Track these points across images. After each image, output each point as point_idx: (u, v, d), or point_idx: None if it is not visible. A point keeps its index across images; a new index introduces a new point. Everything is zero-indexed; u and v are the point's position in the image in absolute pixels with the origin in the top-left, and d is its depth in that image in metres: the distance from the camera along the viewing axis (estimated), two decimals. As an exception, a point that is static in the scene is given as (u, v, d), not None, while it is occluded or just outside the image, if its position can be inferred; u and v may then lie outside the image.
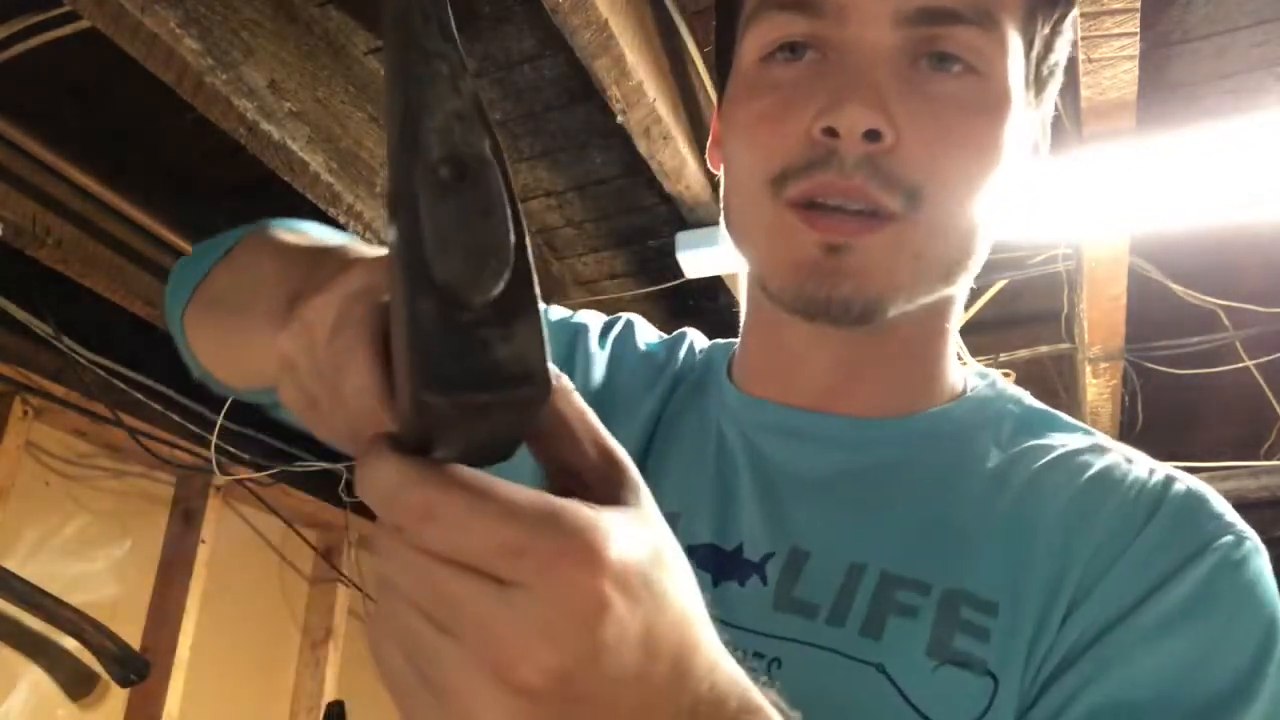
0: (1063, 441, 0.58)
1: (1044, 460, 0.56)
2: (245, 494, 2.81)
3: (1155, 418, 2.38)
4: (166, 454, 2.52)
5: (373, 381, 0.37)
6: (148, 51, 1.30)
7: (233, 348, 0.60)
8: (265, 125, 1.43)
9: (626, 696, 0.31)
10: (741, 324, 0.66)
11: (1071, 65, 1.44)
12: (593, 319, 0.74)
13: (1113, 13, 1.30)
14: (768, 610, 0.53)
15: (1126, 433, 2.40)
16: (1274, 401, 2.26)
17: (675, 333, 0.75)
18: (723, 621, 0.52)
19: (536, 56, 1.63)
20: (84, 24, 1.37)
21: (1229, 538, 0.51)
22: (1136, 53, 1.36)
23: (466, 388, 0.31)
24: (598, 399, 0.65)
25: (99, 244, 1.84)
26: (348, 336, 0.38)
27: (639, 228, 2.10)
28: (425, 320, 0.32)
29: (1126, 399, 2.35)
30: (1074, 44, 0.60)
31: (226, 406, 2.48)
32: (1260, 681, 0.47)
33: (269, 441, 2.75)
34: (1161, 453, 0.60)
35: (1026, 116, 0.57)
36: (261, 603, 2.99)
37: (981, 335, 2.20)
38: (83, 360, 2.21)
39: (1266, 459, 2.46)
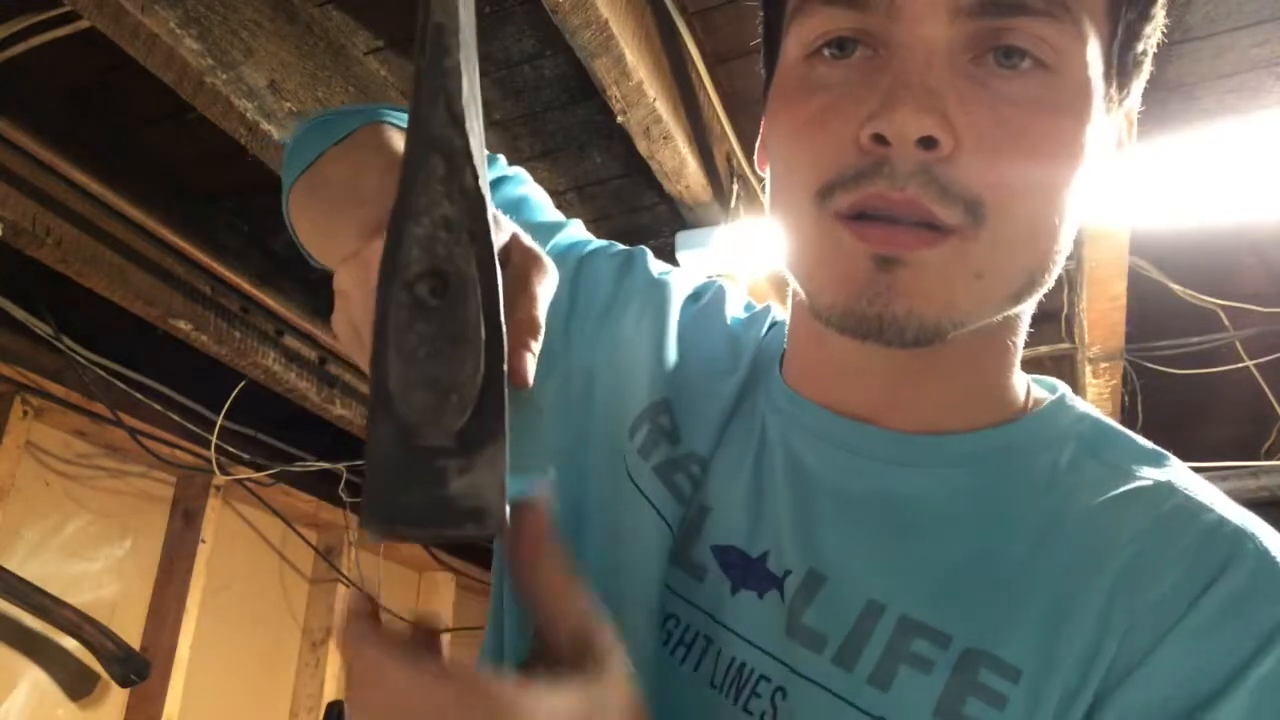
0: (1128, 472, 0.51)
1: (1107, 496, 0.50)
2: (245, 494, 2.81)
3: (1155, 418, 2.38)
4: (166, 454, 2.52)
5: None
6: (148, 51, 1.30)
7: (322, 240, 0.60)
8: (265, 125, 1.43)
9: None
10: (788, 320, 0.61)
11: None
12: (681, 281, 0.69)
13: (1113, 13, 1.29)
14: (780, 631, 0.50)
15: (1126, 433, 2.39)
16: (1274, 401, 2.26)
17: (761, 307, 0.69)
18: (737, 634, 0.52)
19: (536, 56, 1.63)
20: (84, 24, 1.37)
21: None
22: (1136, 53, 1.36)
23: (412, 522, 0.31)
24: (679, 375, 0.62)
25: (99, 244, 1.84)
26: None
27: (639, 228, 2.10)
28: (382, 447, 0.31)
29: (1126, 399, 2.35)
30: (1167, 28, 0.53)
31: (226, 407, 2.48)
32: None
33: (269, 441, 2.76)
34: (1161, 453, 0.59)
35: (1108, 114, 0.51)
36: (261, 603, 2.99)
37: (981, 335, 2.20)
38: (83, 360, 2.21)
39: (1266, 459, 2.47)
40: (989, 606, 0.47)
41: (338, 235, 0.52)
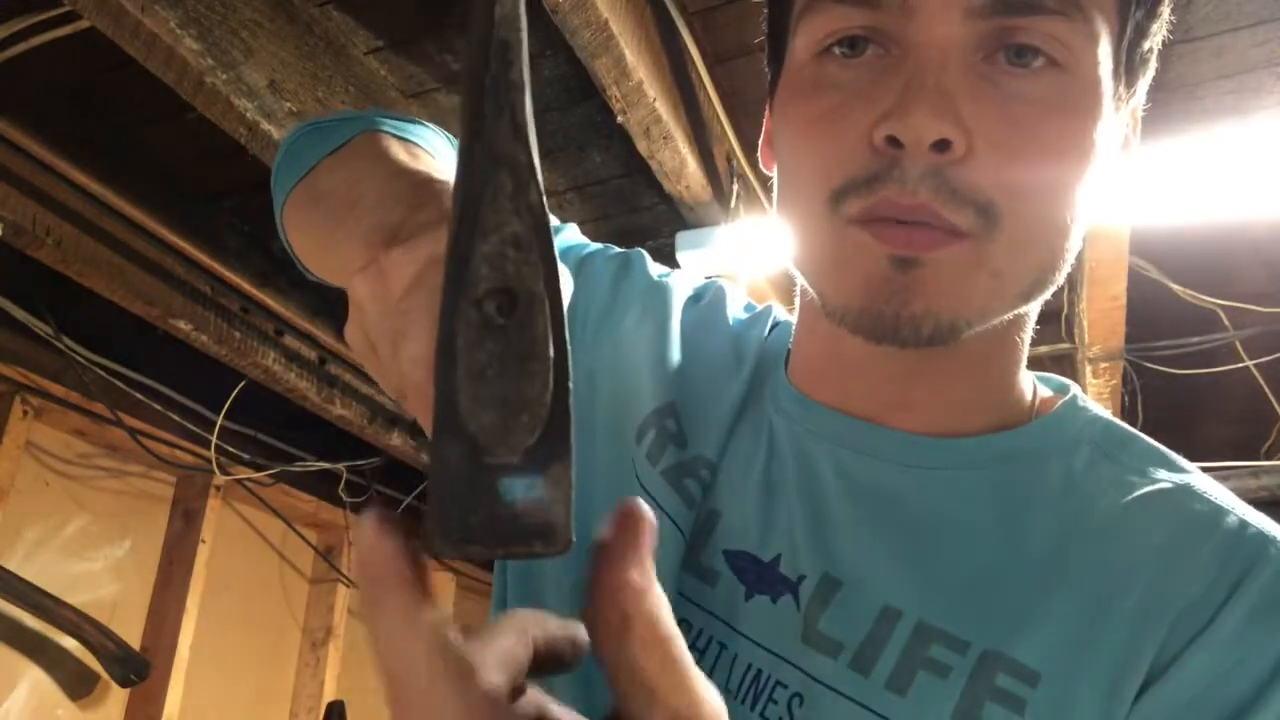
0: (1145, 476, 0.51)
1: (1126, 499, 0.50)
2: (245, 494, 2.81)
3: (1155, 418, 2.38)
4: (166, 454, 2.52)
5: (430, 356, 0.35)
6: (148, 51, 1.30)
7: (321, 253, 0.58)
8: (265, 125, 1.43)
9: None
10: (795, 319, 0.61)
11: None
12: (681, 283, 0.69)
13: (1113, 13, 1.30)
14: (795, 638, 0.50)
15: (1126, 433, 2.39)
16: (1274, 401, 2.26)
17: (762, 307, 0.68)
18: (752, 640, 0.51)
19: (536, 56, 1.63)
20: (84, 24, 1.37)
21: None
22: (1136, 53, 1.36)
23: (480, 540, 0.31)
24: (683, 378, 0.61)
25: (99, 244, 1.84)
26: (419, 300, 0.37)
27: (639, 228, 2.10)
28: (450, 465, 0.31)
29: (1126, 399, 2.35)
30: (1170, 26, 0.53)
31: (226, 406, 2.48)
32: None
33: (269, 441, 2.76)
34: (1161, 453, 0.59)
35: (1117, 112, 0.50)
36: (261, 603, 2.99)
37: (981, 335, 2.20)
38: (83, 360, 2.21)
39: (1266, 459, 2.47)
40: (1007, 611, 0.47)
41: (341, 247, 0.51)
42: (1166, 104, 1.63)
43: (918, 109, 0.44)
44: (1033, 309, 0.54)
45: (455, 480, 0.31)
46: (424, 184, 0.47)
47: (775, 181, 0.55)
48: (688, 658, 0.33)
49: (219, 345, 2.10)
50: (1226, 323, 2.11)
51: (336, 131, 0.63)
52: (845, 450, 0.55)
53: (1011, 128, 0.46)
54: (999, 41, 0.46)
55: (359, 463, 2.98)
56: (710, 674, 0.51)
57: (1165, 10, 0.52)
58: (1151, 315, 2.10)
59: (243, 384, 2.41)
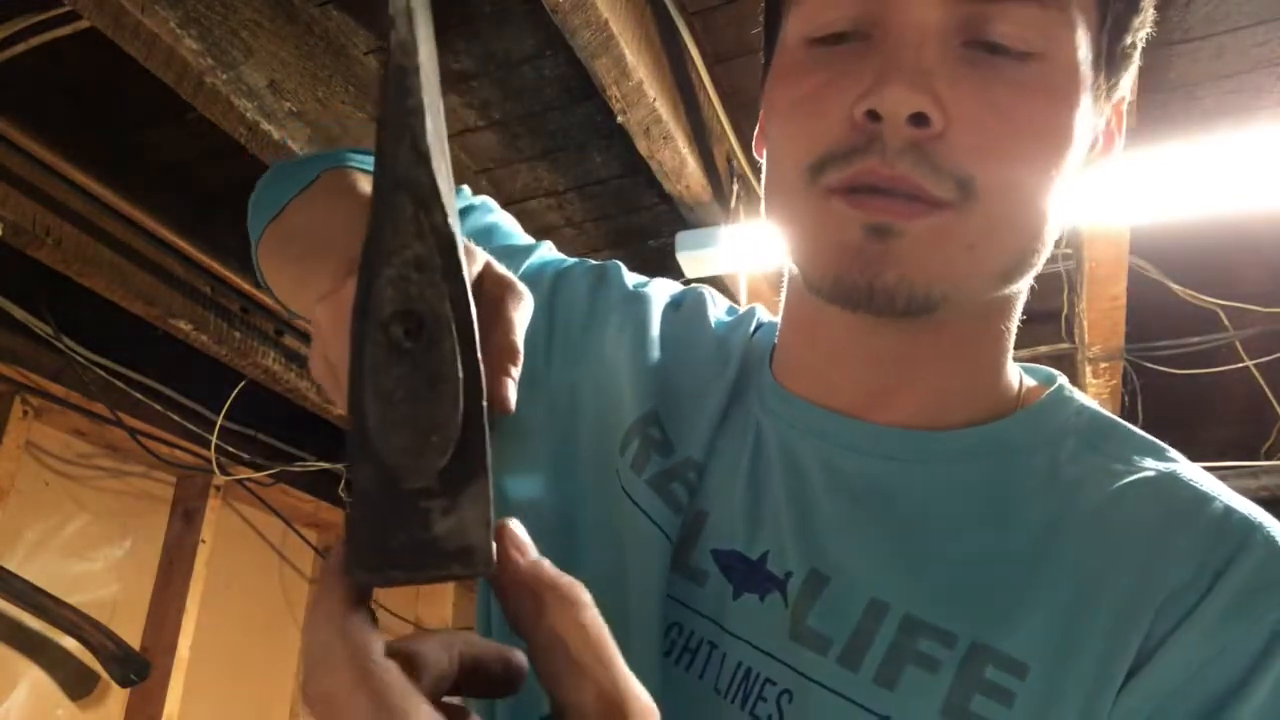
0: (1131, 464, 0.52)
1: (1111, 488, 0.50)
2: (245, 494, 2.81)
3: (1155, 418, 2.38)
4: (166, 454, 2.52)
5: None
6: (148, 51, 1.30)
7: (295, 289, 0.59)
8: (265, 125, 1.43)
9: None
10: (780, 314, 0.61)
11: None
12: (659, 290, 0.69)
13: (1113, 13, 1.29)
14: (784, 634, 0.50)
15: (1126, 433, 2.40)
16: (1274, 401, 2.26)
17: (745, 311, 0.69)
18: (741, 638, 0.51)
19: (536, 56, 1.63)
20: (84, 24, 1.37)
21: None
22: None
23: (399, 565, 0.31)
24: (666, 384, 0.61)
25: (99, 244, 1.84)
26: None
27: (639, 228, 2.10)
28: (365, 491, 0.31)
29: (1126, 399, 2.35)
30: (1156, 23, 0.54)
31: (226, 406, 2.48)
32: None
33: (269, 441, 2.76)
34: (1161, 453, 0.59)
35: (1097, 102, 0.51)
36: (261, 603, 2.99)
37: (981, 335, 2.20)
38: (83, 360, 2.21)
39: (1266, 459, 2.47)
40: (993, 603, 0.47)
41: (312, 281, 0.51)
42: (1166, 104, 1.63)
43: (894, 83, 0.46)
44: (1017, 295, 0.55)
45: (370, 506, 0.31)
46: None
47: (764, 165, 0.56)
48: (610, 639, 0.33)
49: (219, 345, 2.10)
50: (1226, 323, 2.11)
51: (306, 169, 0.64)
52: (830, 445, 0.55)
53: (989, 107, 0.47)
54: (978, 30, 0.48)
55: (359, 463, 2.97)
56: (701, 674, 0.51)
57: (1147, 7, 0.53)
58: (1151, 315, 2.10)
59: (243, 384, 2.41)
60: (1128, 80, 0.54)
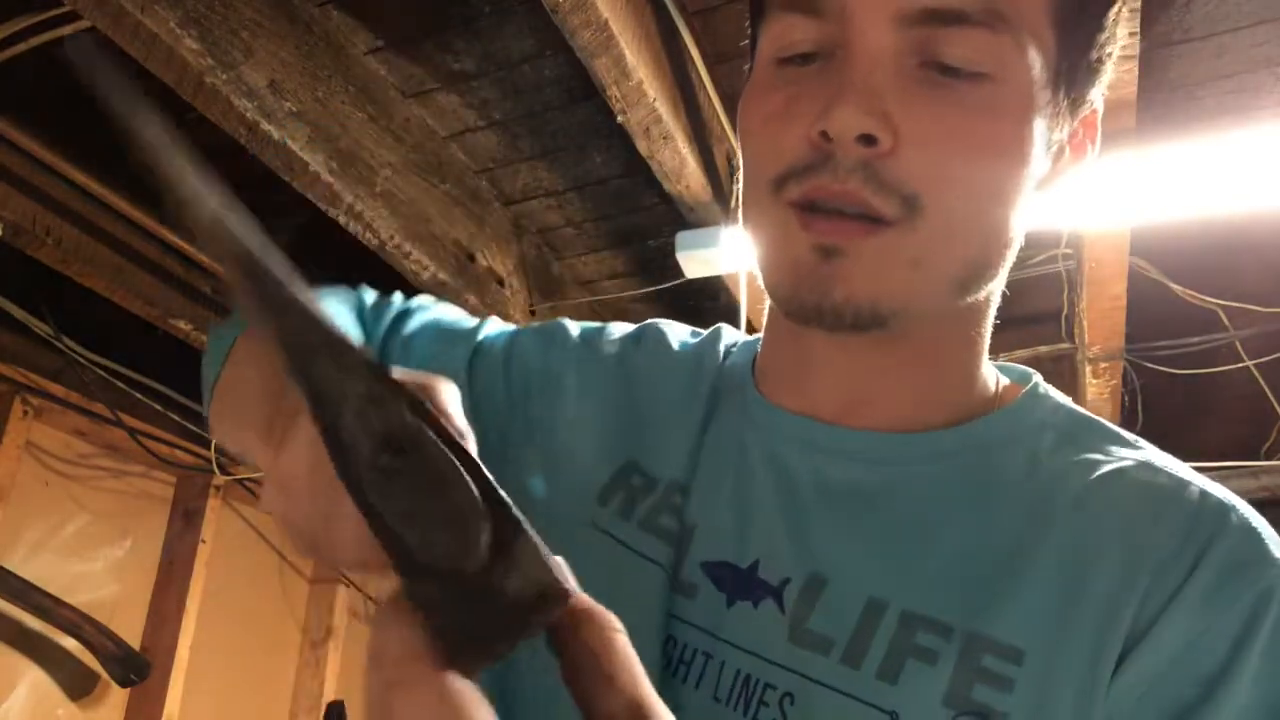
0: (1108, 456, 0.54)
1: (1090, 479, 0.52)
2: (245, 494, 2.81)
3: (1155, 418, 2.38)
4: (166, 454, 2.52)
5: (364, 534, 0.36)
6: (148, 51, 1.30)
7: (244, 454, 0.63)
8: (265, 125, 1.43)
9: None
10: (764, 325, 0.63)
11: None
12: (613, 333, 0.71)
13: (1113, 13, 1.29)
14: (782, 639, 0.51)
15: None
16: (1274, 401, 2.26)
17: (710, 330, 0.71)
18: (737, 646, 0.51)
19: (536, 56, 1.63)
20: (84, 24, 1.37)
21: None
22: (1136, 53, 1.36)
23: (498, 641, 0.32)
24: (638, 423, 0.63)
25: (99, 244, 1.84)
26: (324, 487, 0.37)
27: (639, 228, 2.10)
28: (433, 599, 0.32)
29: (1126, 399, 2.35)
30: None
31: (226, 406, 2.48)
32: None
33: (269, 441, 2.75)
34: (1161, 453, 0.59)
35: (1055, 119, 0.53)
36: (261, 603, 2.99)
37: (981, 335, 2.20)
38: (83, 360, 2.21)
39: (1266, 459, 2.47)
40: (985, 593, 0.49)
41: (250, 450, 0.56)
42: (1166, 104, 1.63)
43: (842, 105, 0.48)
44: (985, 302, 0.57)
45: (448, 607, 0.32)
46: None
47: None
48: (636, 658, 0.35)
49: (219, 345, 2.09)
50: (1226, 323, 2.11)
51: (228, 335, 0.68)
52: (817, 453, 0.57)
53: (939, 126, 0.49)
54: (929, 52, 0.50)
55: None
56: (697, 684, 0.52)
57: (1113, 21, 0.55)
58: (1151, 315, 2.10)
59: (243, 384, 2.41)
60: (1097, 91, 0.56)
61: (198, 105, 1.40)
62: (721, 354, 0.67)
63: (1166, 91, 1.61)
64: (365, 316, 0.74)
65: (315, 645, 3.10)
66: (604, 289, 2.33)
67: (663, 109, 1.52)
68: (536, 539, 0.33)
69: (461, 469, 0.32)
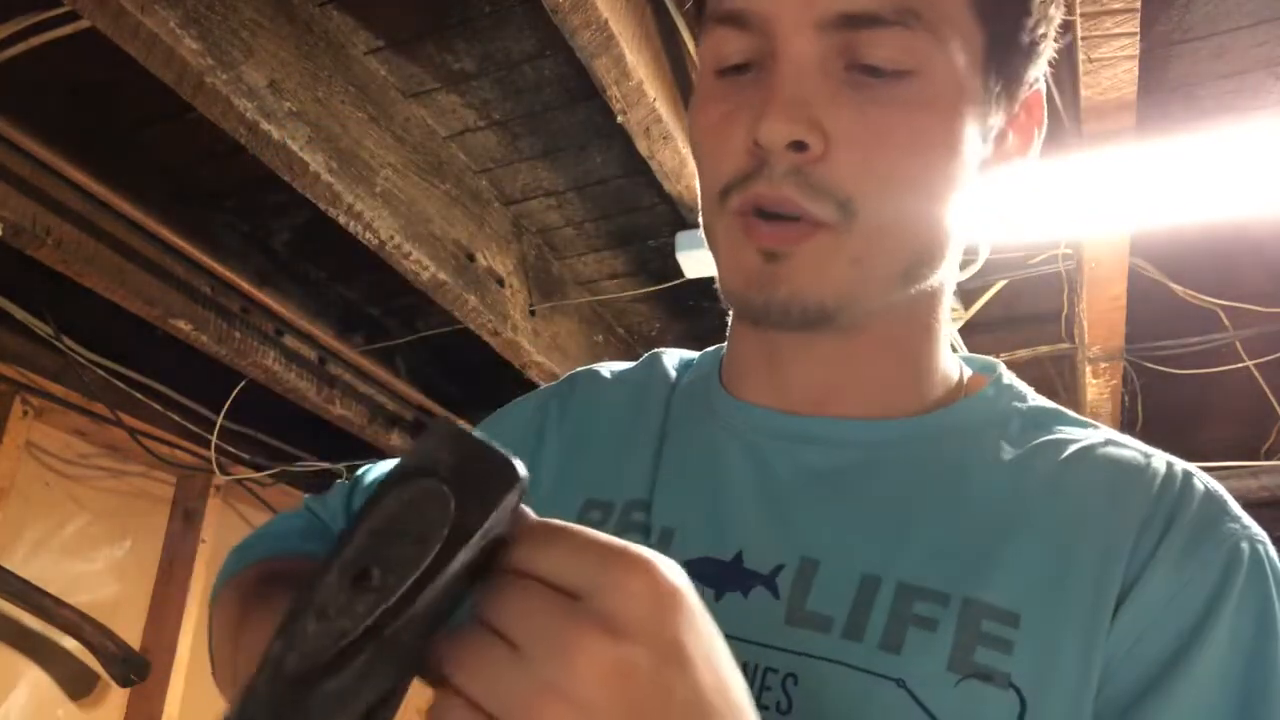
0: (1075, 436, 0.57)
1: (1062, 456, 0.55)
2: (245, 494, 2.81)
3: (1155, 418, 2.38)
4: (166, 454, 2.52)
5: None
6: (148, 51, 1.30)
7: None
8: (265, 125, 1.43)
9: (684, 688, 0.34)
10: (728, 330, 0.66)
11: (1071, 65, 1.44)
12: (537, 400, 0.73)
13: (1113, 13, 1.30)
14: (778, 623, 0.52)
15: (1126, 433, 2.39)
16: (1274, 401, 2.26)
17: (645, 356, 0.73)
18: (729, 635, 0.52)
19: (536, 56, 1.63)
20: (84, 24, 1.37)
21: (1257, 545, 0.51)
22: (1136, 53, 1.36)
23: None
24: (586, 458, 0.65)
25: (99, 244, 1.84)
26: None
27: (639, 228, 2.10)
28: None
29: (1126, 399, 2.35)
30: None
31: (226, 406, 2.48)
32: None
33: (269, 441, 2.75)
34: (1161, 453, 0.59)
35: (988, 105, 0.55)
36: (261, 603, 2.99)
37: (981, 335, 2.20)
38: (83, 360, 2.21)
39: (1266, 459, 2.47)
40: (976, 564, 0.51)
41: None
42: (1166, 104, 1.63)
43: (770, 116, 0.51)
44: (939, 288, 0.59)
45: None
46: (257, 619, 0.59)
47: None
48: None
49: (219, 345, 2.09)
50: (1226, 323, 2.11)
51: (220, 582, 0.73)
52: (794, 444, 0.58)
53: (867, 128, 0.51)
54: (854, 55, 0.52)
55: (359, 463, 2.97)
56: None
57: (1037, 9, 0.56)
58: (1151, 315, 2.10)
59: (243, 384, 2.41)
60: (1036, 72, 0.58)
61: (198, 105, 1.40)
62: (673, 372, 0.69)
63: (1166, 91, 1.61)
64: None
65: (315, 645, 3.10)
66: (604, 289, 2.33)
67: (663, 109, 1.52)
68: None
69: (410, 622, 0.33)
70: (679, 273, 1.93)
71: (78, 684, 2.37)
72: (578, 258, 2.23)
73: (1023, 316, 2.24)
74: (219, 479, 2.66)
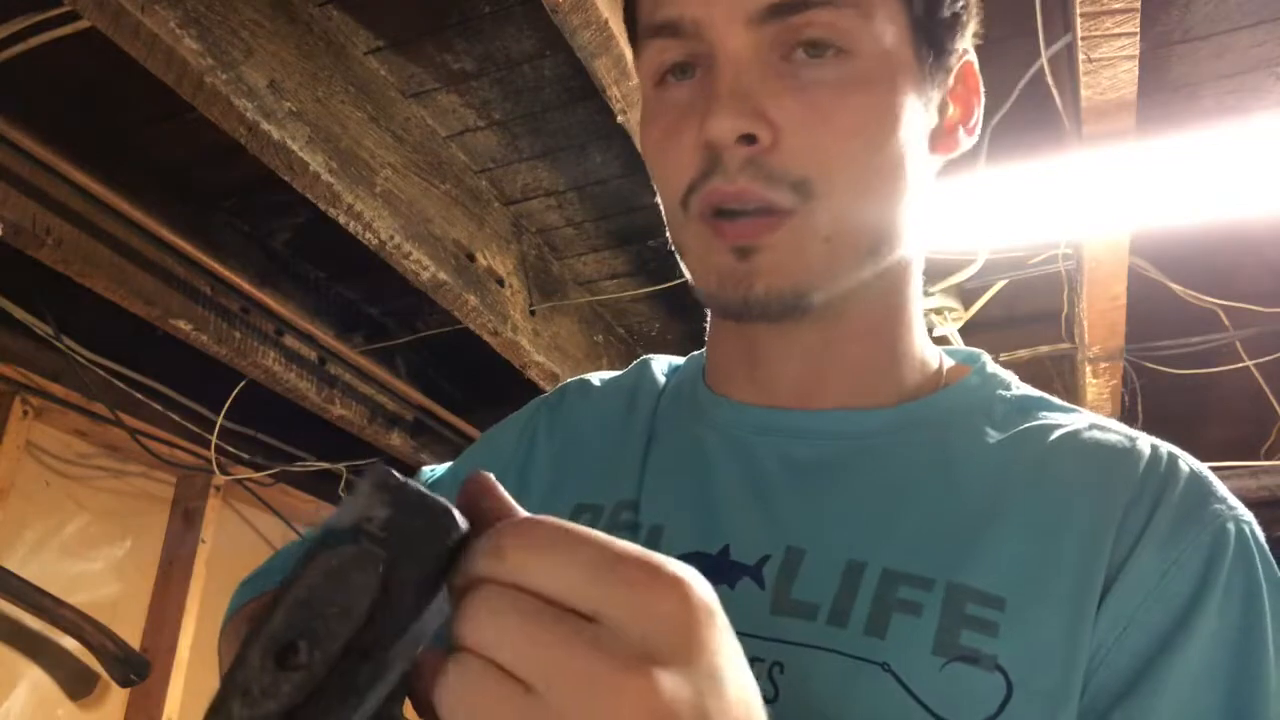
0: (1059, 421, 0.57)
1: (1047, 441, 0.56)
2: (245, 494, 2.81)
3: (1155, 418, 2.38)
4: (166, 454, 2.52)
5: None
6: (148, 51, 1.30)
7: None
8: (265, 125, 1.43)
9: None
10: (707, 332, 0.67)
11: (1071, 65, 1.44)
12: (526, 413, 0.74)
13: (1113, 13, 1.30)
14: (764, 613, 0.52)
15: (1126, 433, 2.39)
16: (1274, 401, 2.26)
17: (636, 362, 0.74)
18: None
19: (536, 56, 1.63)
20: (84, 24, 1.37)
21: (1243, 525, 0.52)
22: (1136, 53, 1.36)
23: None
24: (577, 465, 0.66)
25: (99, 244, 1.84)
26: None
27: (639, 228, 2.10)
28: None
29: (1126, 399, 2.35)
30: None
31: (226, 406, 2.48)
32: None
33: (269, 441, 2.75)
34: (1161, 453, 0.59)
35: (924, 74, 0.57)
36: (261, 603, 2.99)
37: (981, 335, 2.20)
38: (83, 360, 2.21)
39: (1266, 459, 2.47)
40: (961, 549, 0.51)
41: None
42: (1166, 104, 1.63)
43: (716, 113, 0.52)
44: (906, 269, 0.60)
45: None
46: None
47: None
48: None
49: (219, 345, 2.09)
50: (1226, 323, 2.11)
51: (229, 611, 0.72)
52: (779, 438, 0.59)
53: (811, 111, 0.52)
54: (791, 41, 0.53)
55: (359, 463, 2.97)
56: None
57: None
58: (1151, 315, 2.10)
59: (243, 384, 2.41)
60: (963, 41, 0.60)
61: (198, 105, 1.40)
62: (661, 377, 0.71)
63: (1167, 91, 1.61)
64: None
65: (315, 645, 3.10)
66: (604, 289, 2.33)
67: (663, 109, 1.52)
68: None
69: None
70: (679, 273, 1.93)
71: (78, 684, 2.37)
72: (577, 258, 2.23)
73: (1023, 316, 2.24)
74: (219, 479, 2.66)
